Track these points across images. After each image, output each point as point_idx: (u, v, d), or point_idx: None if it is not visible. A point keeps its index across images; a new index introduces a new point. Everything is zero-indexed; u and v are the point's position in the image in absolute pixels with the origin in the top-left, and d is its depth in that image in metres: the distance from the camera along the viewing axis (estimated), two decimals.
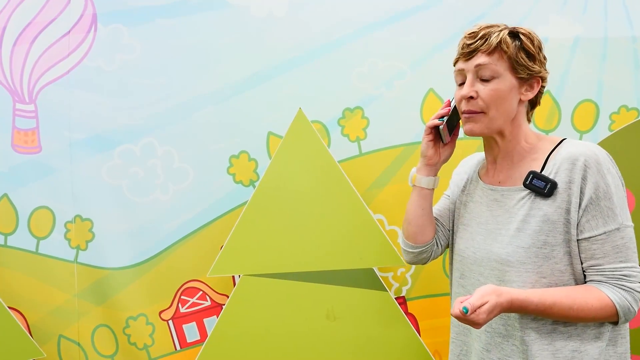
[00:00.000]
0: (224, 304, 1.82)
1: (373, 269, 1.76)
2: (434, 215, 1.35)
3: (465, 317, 1.00)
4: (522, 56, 1.12)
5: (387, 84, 1.81)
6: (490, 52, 1.12)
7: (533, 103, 1.19)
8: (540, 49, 1.15)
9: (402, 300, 1.83)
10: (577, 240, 1.08)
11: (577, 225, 1.07)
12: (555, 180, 1.08)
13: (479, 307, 1.00)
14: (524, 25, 1.16)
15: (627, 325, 1.13)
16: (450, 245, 1.34)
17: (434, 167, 1.30)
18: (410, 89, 1.80)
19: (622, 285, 1.06)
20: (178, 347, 1.86)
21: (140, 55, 1.83)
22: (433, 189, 1.31)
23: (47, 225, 1.83)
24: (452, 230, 1.33)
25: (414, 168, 1.34)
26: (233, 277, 1.85)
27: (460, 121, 1.23)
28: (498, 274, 1.13)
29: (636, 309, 1.07)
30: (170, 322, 1.86)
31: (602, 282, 1.07)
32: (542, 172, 1.11)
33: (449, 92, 1.26)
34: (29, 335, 1.80)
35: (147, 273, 1.84)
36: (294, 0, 1.82)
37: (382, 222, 1.81)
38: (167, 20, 1.82)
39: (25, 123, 1.82)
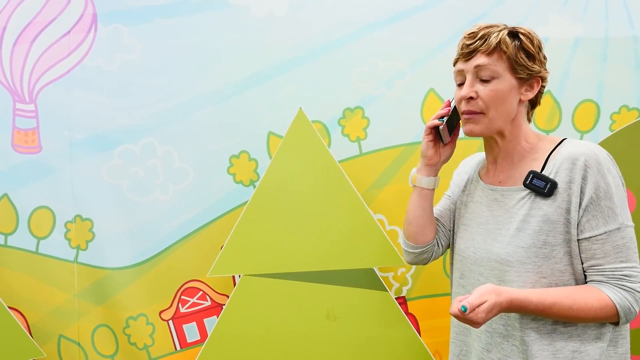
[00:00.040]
0: (224, 304, 1.82)
1: (373, 269, 1.75)
2: (435, 215, 1.35)
3: (464, 316, 1.00)
4: (522, 56, 1.12)
5: (388, 84, 1.81)
6: (489, 53, 1.12)
7: (533, 103, 1.19)
8: (540, 48, 1.15)
9: (402, 301, 1.83)
10: (578, 240, 1.08)
11: (578, 225, 1.07)
12: (556, 180, 1.08)
13: (478, 306, 1.00)
14: (524, 25, 1.16)
15: (628, 325, 1.13)
16: (450, 245, 1.34)
17: (434, 167, 1.30)
18: (411, 89, 1.80)
19: (623, 286, 1.06)
20: (178, 347, 1.86)
21: (140, 55, 1.83)
22: (433, 189, 1.31)
23: (47, 225, 1.83)
24: (453, 230, 1.33)
25: (414, 168, 1.34)
26: (233, 277, 1.84)
27: (460, 121, 1.23)
28: (498, 274, 1.13)
29: (637, 309, 1.07)
30: (171, 322, 1.86)
31: (602, 282, 1.07)
32: (543, 172, 1.10)
33: (449, 92, 1.26)
34: (29, 335, 1.80)
35: (147, 273, 1.84)
36: (294, 0, 1.82)
37: (382, 222, 1.81)
38: (167, 20, 1.82)
39: (25, 123, 1.82)
